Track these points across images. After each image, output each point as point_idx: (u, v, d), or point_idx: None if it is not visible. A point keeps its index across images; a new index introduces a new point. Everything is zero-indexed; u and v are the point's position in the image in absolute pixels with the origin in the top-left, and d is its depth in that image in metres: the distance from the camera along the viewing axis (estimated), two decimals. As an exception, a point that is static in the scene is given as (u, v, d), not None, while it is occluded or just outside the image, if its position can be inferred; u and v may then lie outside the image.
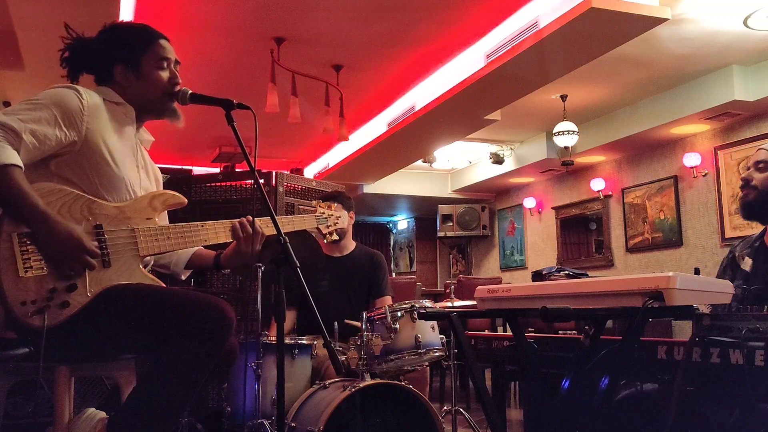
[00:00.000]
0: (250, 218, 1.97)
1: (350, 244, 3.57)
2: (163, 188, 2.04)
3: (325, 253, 3.49)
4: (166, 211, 1.98)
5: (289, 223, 2.11)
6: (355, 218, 3.64)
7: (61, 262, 1.65)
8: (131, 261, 1.77)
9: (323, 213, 2.28)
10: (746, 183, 2.21)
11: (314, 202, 2.31)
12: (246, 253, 1.96)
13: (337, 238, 2.38)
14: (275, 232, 1.83)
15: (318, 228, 2.26)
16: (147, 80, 1.91)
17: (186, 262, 2.08)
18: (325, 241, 2.34)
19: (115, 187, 1.81)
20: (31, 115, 1.67)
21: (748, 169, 2.24)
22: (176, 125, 1.98)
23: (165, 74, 1.93)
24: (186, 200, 1.95)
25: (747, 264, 2.20)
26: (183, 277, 2.12)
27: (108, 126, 1.83)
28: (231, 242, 1.99)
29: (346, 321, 3.15)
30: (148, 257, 1.85)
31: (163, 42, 1.94)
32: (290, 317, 3.37)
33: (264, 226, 1.97)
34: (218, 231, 1.94)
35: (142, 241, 1.80)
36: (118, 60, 1.90)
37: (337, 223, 2.32)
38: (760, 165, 2.18)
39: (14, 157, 1.61)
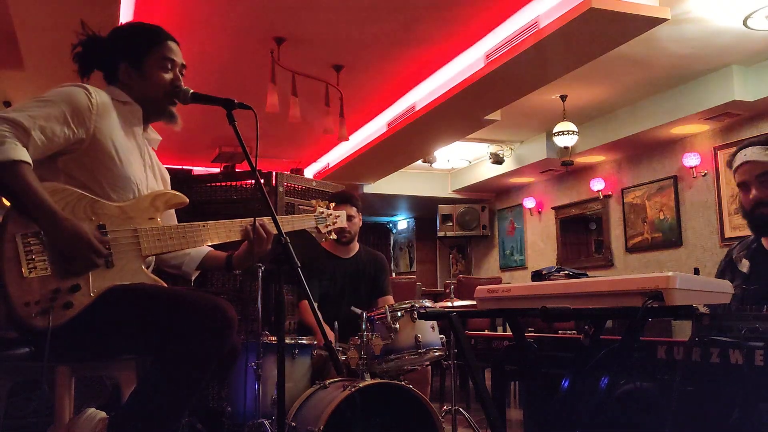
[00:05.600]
0: (261, 220, 1.98)
1: (355, 246, 3.60)
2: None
3: (333, 253, 3.51)
4: (173, 211, 1.98)
5: (288, 223, 2.11)
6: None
7: (67, 260, 1.65)
8: (134, 261, 1.78)
9: (322, 212, 2.26)
10: (760, 202, 2.11)
11: (313, 202, 2.29)
12: (257, 253, 1.99)
13: (335, 237, 2.35)
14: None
15: (317, 227, 2.24)
16: (149, 79, 1.91)
17: (198, 262, 2.09)
18: (323, 239, 2.32)
19: (122, 185, 1.82)
20: (41, 112, 1.68)
21: (750, 185, 2.13)
22: (173, 127, 1.99)
23: (168, 75, 1.93)
24: (187, 200, 1.95)
25: (744, 266, 2.20)
26: (193, 278, 2.12)
27: (116, 125, 1.84)
28: (232, 241, 2.00)
29: (352, 308, 3.16)
30: (150, 257, 1.85)
31: (171, 44, 1.94)
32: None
33: (271, 225, 1.98)
34: (219, 231, 1.94)
35: (144, 241, 1.80)
36: (122, 58, 1.91)
37: (336, 222, 2.29)
38: (762, 179, 2.10)
39: (23, 154, 1.61)
